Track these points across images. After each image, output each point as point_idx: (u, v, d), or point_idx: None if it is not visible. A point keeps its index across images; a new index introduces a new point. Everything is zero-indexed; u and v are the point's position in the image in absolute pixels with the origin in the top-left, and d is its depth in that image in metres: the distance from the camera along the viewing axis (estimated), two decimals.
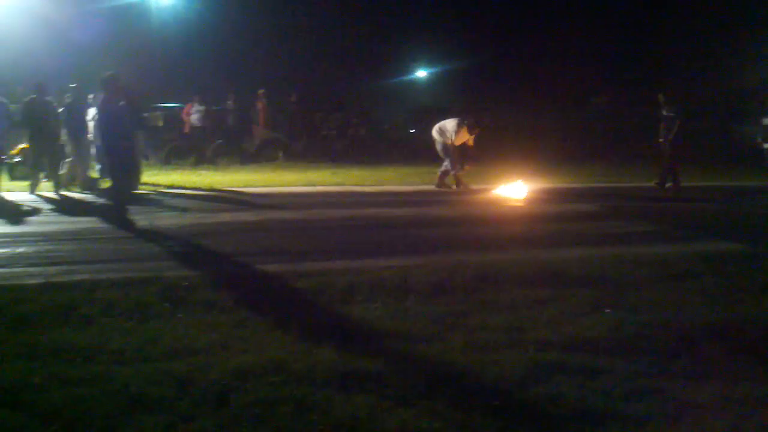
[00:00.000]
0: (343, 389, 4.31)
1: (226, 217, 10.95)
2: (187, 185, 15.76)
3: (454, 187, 15.27)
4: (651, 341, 5.29)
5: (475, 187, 15.21)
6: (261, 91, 23.36)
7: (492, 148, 23.23)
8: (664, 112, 15.54)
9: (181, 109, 24.03)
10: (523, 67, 33.35)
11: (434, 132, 15.49)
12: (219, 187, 15.34)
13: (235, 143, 23.14)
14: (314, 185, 16.16)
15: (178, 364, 4.62)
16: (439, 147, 15.38)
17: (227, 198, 13.74)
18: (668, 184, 15.59)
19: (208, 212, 11.72)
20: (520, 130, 27.88)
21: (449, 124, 15.28)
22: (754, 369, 4.80)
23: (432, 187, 15.32)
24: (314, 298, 6.26)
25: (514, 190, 14.30)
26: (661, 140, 15.62)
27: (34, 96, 14.06)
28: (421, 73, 38.82)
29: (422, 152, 17.45)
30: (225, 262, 7.85)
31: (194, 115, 23.20)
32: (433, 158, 16.12)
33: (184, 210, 11.87)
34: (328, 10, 32.82)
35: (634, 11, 34.74)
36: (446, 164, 15.29)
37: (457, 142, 15.09)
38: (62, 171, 14.76)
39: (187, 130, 23.40)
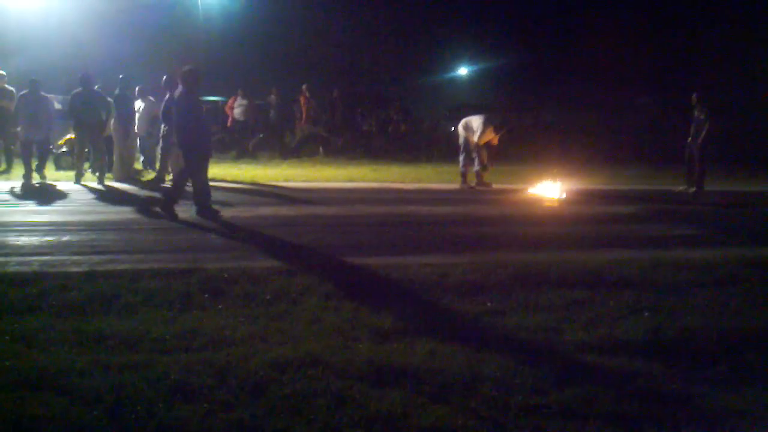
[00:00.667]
0: (379, 384, 4.35)
1: (265, 211, 11.05)
2: (228, 178, 15.93)
3: (464, 185, 15.16)
4: (689, 346, 5.25)
5: (496, 185, 15.15)
6: (304, 87, 23.50)
7: (533, 148, 23.19)
8: (696, 113, 15.28)
9: (224, 102, 24.29)
10: (567, 65, 33.09)
11: (460, 127, 15.36)
12: (259, 180, 15.48)
13: (276, 138, 23.33)
14: (354, 181, 16.24)
15: (217, 354, 4.70)
16: (461, 142, 15.26)
17: (267, 192, 13.85)
18: (692, 189, 15.29)
19: (248, 206, 11.83)
20: (563, 130, 27.67)
21: (475, 121, 15.07)
22: None
23: (470, 186, 15.28)
24: (351, 294, 6.29)
25: (552, 190, 14.17)
26: (690, 140, 15.35)
27: (80, 88, 14.30)
28: (463, 71, 38.70)
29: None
30: (263, 255, 7.93)
31: (237, 108, 23.46)
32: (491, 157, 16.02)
33: (225, 203, 11.99)
34: (372, 6, 32.88)
35: (684, 12, 34.19)
36: (462, 161, 15.20)
37: (482, 141, 14.95)
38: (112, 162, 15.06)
39: (229, 123, 23.65)
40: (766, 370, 4.86)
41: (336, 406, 4.03)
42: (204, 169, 10.57)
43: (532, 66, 34.27)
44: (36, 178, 14.09)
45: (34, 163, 14.31)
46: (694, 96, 15.39)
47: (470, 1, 35.70)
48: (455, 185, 15.29)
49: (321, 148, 23.16)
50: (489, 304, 6.14)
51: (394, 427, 3.82)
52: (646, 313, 5.97)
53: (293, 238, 9.13)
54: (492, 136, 14.97)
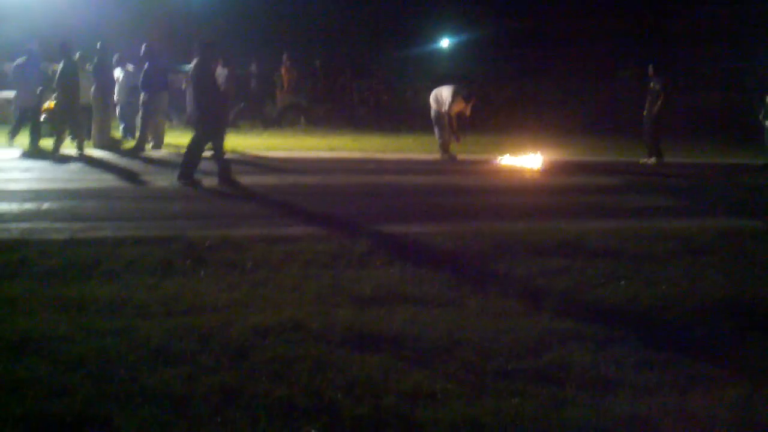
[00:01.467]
0: (359, 350, 4.40)
1: (245, 180, 11.01)
2: (209, 147, 15.82)
3: (444, 155, 15.12)
4: (665, 314, 5.35)
5: (476, 156, 15.22)
6: (285, 56, 23.33)
7: (513, 119, 23.22)
8: (652, 84, 15.36)
9: None
10: (549, 37, 33.00)
11: (431, 99, 15.27)
12: (240, 150, 15.42)
13: (257, 107, 23.20)
14: (335, 151, 16.22)
15: (199, 319, 4.73)
16: (433, 114, 15.17)
17: (248, 161, 13.82)
18: (651, 159, 15.44)
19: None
20: (544, 102, 27.70)
21: (445, 91, 14.96)
22: (765, 345, 4.85)
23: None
24: (331, 261, 6.35)
25: (531, 161, 14.29)
26: (645, 112, 15.46)
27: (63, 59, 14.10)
28: (445, 42, 38.52)
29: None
30: (242, 223, 7.95)
31: (218, 78, 23.26)
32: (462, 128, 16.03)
33: (205, 172, 11.97)
34: None
35: None
36: (438, 133, 15.15)
37: (452, 111, 14.85)
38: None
39: None
40: (738, 338, 4.96)
41: (317, 370, 4.09)
42: (222, 138, 10.62)
43: (514, 36, 34.15)
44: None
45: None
46: (650, 67, 15.44)
47: None
48: (436, 155, 15.30)
49: (302, 118, 23.07)
50: (468, 272, 6.21)
51: (374, 391, 3.88)
52: (623, 282, 6.06)
53: (273, 207, 9.16)
54: (462, 107, 14.93)
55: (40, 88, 14.26)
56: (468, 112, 15.15)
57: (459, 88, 15.00)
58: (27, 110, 14.40)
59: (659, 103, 15.01)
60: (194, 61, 10.64)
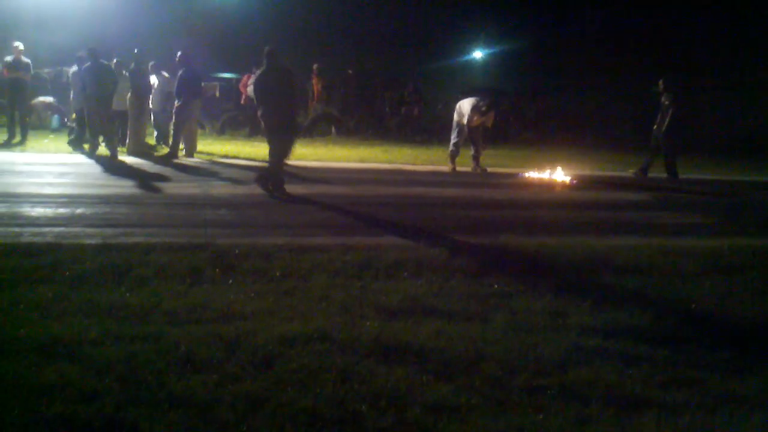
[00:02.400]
0: (385, 361, 4.41)
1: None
2: (241, 155, 16.01)
3: (449, 166, 15.26)
4: (694, 332, 5.29)
5: (504, 169, 15.27)
6: (315, 66, 23.45)
7: (545, 132, 23.14)
8: (662, 99, 15.21)
9: (238, 80, 24.29)
10: (582, 51, 32.85)
11: (455, 111, 15.40)
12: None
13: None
14: (365, 162, 16.29)
15: (227, 327, 4.77)
16: (455, 126, 15.28)
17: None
18: (640, 174, 15.31)
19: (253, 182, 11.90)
20: (577, 116, 27.59)
21: (465, 104, 15.09)
22: None
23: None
24: (359, 272, 6.37)
25: (558, 175, 14.27)
26: (655, 127, 15.32)
27: (89, 62, 14.31)
28: (478, 54, 38.51)
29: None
30: (272, 232, 8.00)
31: (251, 86, 23.41)
32: (485, 139, 16.06)
33: (237, 181, 12.10)
34: None
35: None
36: (452, 143, 15.26)
37: (472, 124, 14.91)
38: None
39: (243, 101, 23.66)
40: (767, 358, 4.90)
41: (342, 380, 4.10)
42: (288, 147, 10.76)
43: (546, 50, 34.04)
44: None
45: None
46: (660, 82, 15.32)
47: None
48: (467, 168, 15.32)
49: (333, 129, 23.18)
50: (496, 286, 6.19)
51: (399, 403, 3.88)
52: (652, 299, 6.00)
53: (303, 216, 9.22)
54: (481, 119, 14.94)
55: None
56: (489, 123, 15.18)
57: (478, 101, 15.04)
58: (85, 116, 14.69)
59: (669, 118, 14.91)
60: (260, 70, 10.73)
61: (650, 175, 15.73)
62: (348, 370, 4.24)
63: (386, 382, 4.11)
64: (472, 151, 15.18)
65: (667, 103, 15.01)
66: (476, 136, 15.01)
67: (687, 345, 5.02)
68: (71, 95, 15.68)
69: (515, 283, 6.31)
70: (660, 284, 6.54)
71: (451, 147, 15.33)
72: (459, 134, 15.08)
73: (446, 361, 4.48)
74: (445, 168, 15.45)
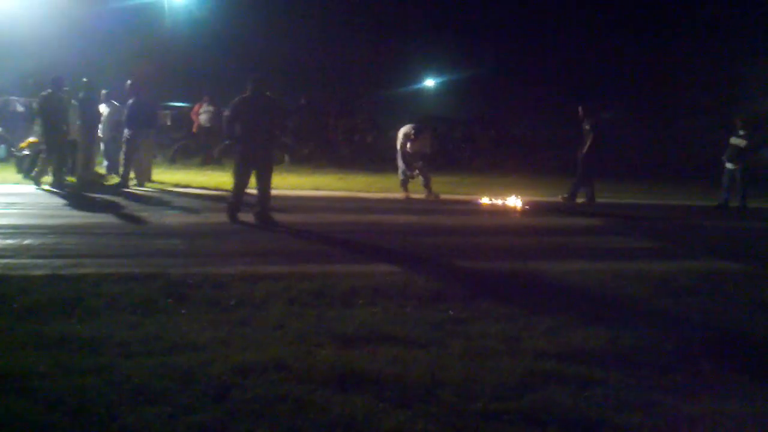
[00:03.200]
0: (342, 390, 4.38)
1: (223, 218, 11.00)
2: (193, 184, 15.88)
3: (402, 194, 15.42)
4: (646, 355, 5.37)
5: (452, 197, 15.41)
6: (268, 94, 23.37)
7: (496, 160, 23.42)
8: (583, 125, 15.60)
9: (189, 108, 24.16)
10: (531, 77, 33.43)
11: (397, 138, 15.68)
12: (225, 187, 15.41)
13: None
14: (319, 190, 16.28)
15: (180, 358, 4.70)
16: (398, 153, 15.54)
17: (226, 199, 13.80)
18: (581, 200, 15.62)
19: (212, 212, 11.82)
20: (530, 142, 27.99)
21: (401, 131, 15.45)
22: (747, 386, 4.87)
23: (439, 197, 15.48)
24: (314, 300, 6.34)
25: (511, 201, 14.52)
26: (579, 152, 15.69)
27: (50, 91, 14.10)
28: (430, 82, 38.95)
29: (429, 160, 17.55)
30: (225, 261, 7.93)
31: (203, 115, 23.33)
32: (438, 167, 16.25)
33: (190, 210, 11.99)
34: (340, 17, 32.98)
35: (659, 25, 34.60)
36: (401, 170, 15.46)
37: (411, 149, 15.13)
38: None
39: (195, 129, 23.53)
40: (719, 379, 4.98)
41: (298, 410, 4.06)
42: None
43: (498, 78, 34.57)
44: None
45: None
46: (580, 108, 15.74)
47: (440, 12, 35.91)
48: (420, 195, 15.42)
49: (287, 157, 23.13)
50: (451, 312, 6.21)
51: (356, 431, 3.86)
52: (604, 323, 6.08)
53: (257, 244, 9.17)
54: (416, 145, 15.14)
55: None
56: (427, 149, 15.35)
57: (409, 127, 15.26)
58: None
59: (588, 143, 15.27)
60: (241, 96, 10.70)
61: (606, 200, 16.04)
62: (304, 399, 4.21)
63: (343, 410, 4.09)
64: (421, 180, 15.32)
65: (587, 128, 15.37)
66: (415, 163, 15.14)
67: (640, 368, 5.09)
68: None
69: (470, 308, 6.35)
70: (612, 308, 6.63)
71: (400, 175, 15.47)
72: (402, 161, 15.24)
73: (403, 387, 4.47)
74: (399, 195, 15.52)
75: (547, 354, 5.22)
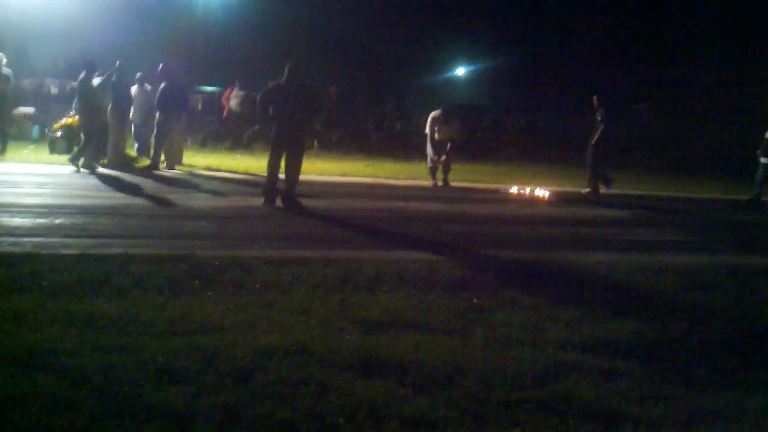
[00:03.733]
0: (364, 374, 4.41)
1: (258, 201, 11.07)
2: (223, 168, 16.00)
3: (430, 181, 15.35)
4: (670, 348, 5.33)
5: (464, 185, 15.32)
6: (302, 81, 23.41)
7: (525, 149, 23.29)
8: (596, 116, 15.48)
9: (221, 93, 24.29)
10: (562, 67, 33.13)
11: (426, 125, 15.60)
12: (253, 171, 15.51)
13: (271, 129, 23.30)
14: (347, 176, 16.31)
15: (205, 339, 4.75)
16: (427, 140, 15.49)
17: (260, 183, 13.89)
18: (586, 190, 15.59)
19: (240, 195, 11.90)
20: (561, 131, 27.81)
21: (431, 115, 15.37)
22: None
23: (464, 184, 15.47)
24: (339, 285, 6.37)
25: (541, 191, 14.43)
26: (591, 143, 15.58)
27: (85, 74, 14.22)
28: (461, 71, 38.75)
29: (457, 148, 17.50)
30: (252, 244, 7.99)
31: (233, 99, 23.47)
32: (465, 156, 16.20)
33: (218, 193, 12.08)
34: (371, 3, 32.90)
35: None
36: (429, 158, 15.40)
37: (439, 135, 15.05)
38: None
39: (225, 114, 23.66)
40: (745, 374, 4.94)
41: (321, 393, 4.09)
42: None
43: (529, 68, 34.33)
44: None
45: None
46: (594, 98, 15.57)
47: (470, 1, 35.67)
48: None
49: (316, 142, 23.16)
50: (475, 300, 6.21)
51: (376, 416, 3.88)
52: (630, 315, 6.05)
53: (284, 229, 9.21)
54: (445, 132, 15.04)
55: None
56: (456, 136, 15.23)
57: (438, 111, 15.28)
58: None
59: (597, 134, 15.15)
60: (276, 82, 10.77)
61: (613, 191, 15.91)
62: (326, 383, 4.23)
63: (364, 394, 4.11)
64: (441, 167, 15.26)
65: (599, 118, 15.27)
66: (443, 149, 15.05)
67: (664, 361, 5.05)
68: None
69: (494, 297, 6.34)
70: (637, 300, 6.58)
71: (429, 162, 15.41)
72: (431, 147, 15.16)
73: (424, 374, 4.48)
74: (427, 183, 15.49)
75: (571, 345, 5.20)
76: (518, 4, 36.16)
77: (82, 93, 14.23)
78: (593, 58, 32.29)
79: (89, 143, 14.00)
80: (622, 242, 10.00)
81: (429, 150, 15.29)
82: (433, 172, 15.38)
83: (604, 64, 31.70)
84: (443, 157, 15.08)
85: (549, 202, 13.93)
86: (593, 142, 15.22)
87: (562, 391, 4.38)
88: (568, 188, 16.19)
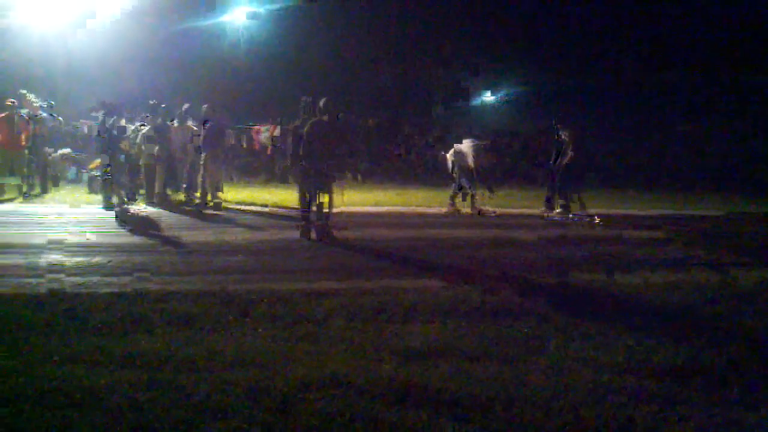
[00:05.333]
0: (402, 404, 4.36)
1: (293, 234, 11.10)
2: (258, 202, 16.12)
3: (467, 209, 15.14)
4: (729, 372, 5.18)
5: (516, 212, 15.23)
6: (341, 116, 23.63)
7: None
8: (561, 136, 15.32)
9: (255, 128, 24.64)
10: (604, 90, 32.98)
11: (449, 154, 15.43)
12: (287, 204, 15.56)
13: (305, 164, 23.48)
14: (380, 205, 16.32)
15: (242, 373, 4.75)
16: (451, 168, 15.33)
17: (296, 216, 13.94)
18: (557, 211, 15.30)
19: (275, 229, 11.96)
20: (599, 155, 27.66)
21: (465, 146, 15.16)
22: None
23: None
24: (375, 316, 6.34)
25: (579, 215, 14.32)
26: (552, 162, 15.40)
27: (101, 116, 14.46)
28: (490, 97, 38.74)
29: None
30: (289, 277, 8.02)
31: (267, 134, 23.77)
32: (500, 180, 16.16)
33: (253, 227, 12.17)
34: (404, 38, 33.13)
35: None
36: (455, 186, 15.26)
37: (473, 163, 14.92)
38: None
39: (257, 147, 23.98)
40: None
41: (359, 424, 4.06)
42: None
43: (563, 91, 34.18)
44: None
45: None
46: (554, 121, 15.58)
47: (499, 28, 35.69)
48: (479, 209, 15.33)
49: (350, 175, 23.26)
50: (515, 326, 6.13)
51: None
52: (685, 339, 5.92)
53: (313, 262, 9.24)
54: (478, 158, 14.96)
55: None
56: (485, 162, 15.23)
57: (477, 142, 15.26)
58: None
59: (570, 153, 15.04)
60: (313, 119, 10.89)
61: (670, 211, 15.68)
62: (365, 413, 4.20)
63: (402, 424, 4.07)
64: (471, 192, 15.13)
65: (566, 139, 15.19)
66: (476, 178, 15.02)
67: (724, 385, 4.92)
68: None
69: (542, 324, 6.25)
70: (690, 323, 6.47)
71: (459, 190, 15.26)
72: (464, 176, 15.03)
73: (462, 403, 4.42)
74: (467, 210, 15.39)
75: (626, 370, 5.10)
76: (545, 28, 36.10)
77: (101, 134, 14.46)
78: (627, 82, 32.10)
79: (110, 182, 14.23)
80: (659, 262, 9.77)
81: (461, 179, 15.13)
82: (470, 197, 15.22)
83: (638, 87, 31.48)
84: (475, 186, 15.02)
85: (578, 224, 13.77)
86: (565, 162, 15.14)
87: (618, 419, 4.29)
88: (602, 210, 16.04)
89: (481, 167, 15.01)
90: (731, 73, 31.10)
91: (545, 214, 15.31)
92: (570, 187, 15.23)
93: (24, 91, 16.40)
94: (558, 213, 15.11)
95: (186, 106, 16.39)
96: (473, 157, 14.90)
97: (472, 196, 15.10)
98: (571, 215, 14.78)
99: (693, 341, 5.86)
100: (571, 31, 34.97)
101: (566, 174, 15.10)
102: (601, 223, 13.89)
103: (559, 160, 15.17)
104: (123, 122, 14.73)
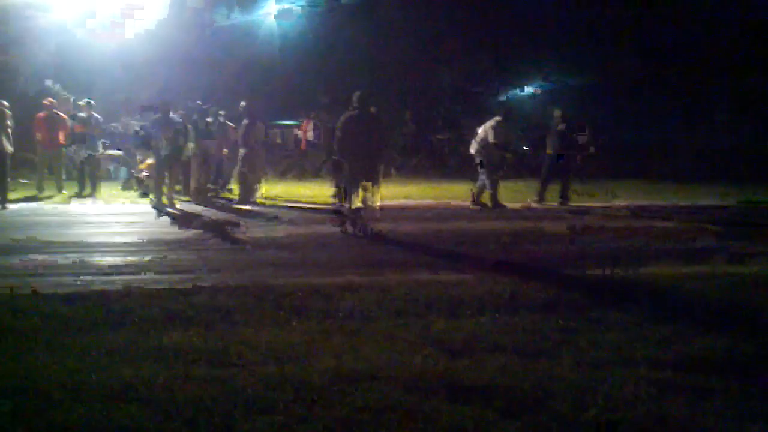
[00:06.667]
0: (450, 400, 4.38)
1: (330, 228, 11.23)
2: (301, 198, 16.25)
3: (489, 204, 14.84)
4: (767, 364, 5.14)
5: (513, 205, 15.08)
6: (372, 109, 23.69)
7: (602, 166, 22.86)
8: (558, 127, 15.39)
9: (297, 126, 24.85)
10: (646, 84, 32.53)
11: (473, 146, 15.09)
12: (329, 201, 15.64)
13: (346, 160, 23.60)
14: (422, 199, 16.40)
15: (292, 368, 4.81)
16: (477, 159, 14.93)
17: (338, 211, 14.00)
18: (536, 199, 15.42)
19: (318, 224, 12.03)
20: (636, 148, 27.31)
21: (482, 128, 14.87)
22: None
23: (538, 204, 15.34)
24: (422, 311, 6.36)
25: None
26: (549, 152, 15.46)
27: (159, 114, 14.68)
28: (537, 90, 38.37)
29: (537, 169, 17.24)
30: (335, 272, 8.09)
31: (309, 132, 23.98)
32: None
33: (298, 223, 12.29)
34: (444, 32, 32.98)
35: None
36: (482, 178, 14.87)
37: (496, 139, 14.48)
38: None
39: (303, 146, 24.16)
40: None
41: (408, 420, 4.09)
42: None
43: (607, 84, 33.75)
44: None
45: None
46: (556, 111, 15.68)
47: (545, 20, 35.32)
48: (517, 204, 15.24)
49: (392, 170, 23.29)
50: (561, 321, 6.11)
51: None
52: (721, 330, 5.85)
53: (358, 256, 9.30)
54: (500, 135, 14.58)
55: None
56: (511, 140, 15.22)
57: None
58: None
59: (558, 145, 15.28)
60: (348, 114, 10.99)
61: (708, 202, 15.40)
62: (413, 409, 4.22)
63: (451, 420, 4.09)
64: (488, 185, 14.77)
65: (563, 130, 15.09)
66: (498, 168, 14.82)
67: (762, 377, 4.87)
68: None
69: (577, 317, 6.22)
70: (726, 314, 6.39)
71: (484, 185, 14.95)
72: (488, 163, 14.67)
73: (512, 398, 4.42)
74: (519, 204, 15.29)
75: (663, 363, 5.05)
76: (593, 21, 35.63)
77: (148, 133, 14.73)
78: (674, 74, 31.59)
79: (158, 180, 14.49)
80: (695, 253, 9.58)
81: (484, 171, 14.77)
82: (480, 194, 14.93)
83: (686, 80, 30.99)
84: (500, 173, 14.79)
85: (616, 217, 13.62)
86: (551, 152, 15.26)
87: (655, 412, 4.26)
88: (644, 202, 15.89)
89: (501, 144, 14.70)
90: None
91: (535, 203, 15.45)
92: (553, 177, 15.44)
93: (65, 93, 16.78)
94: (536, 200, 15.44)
95: (243, 104, 16.57)
96: (493, 133, 14.54)
97: (494, 189, 14.77)
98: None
99: (730, 333, 5.79)
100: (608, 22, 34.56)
101: (551, 163, 15.34)
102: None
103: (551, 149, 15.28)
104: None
